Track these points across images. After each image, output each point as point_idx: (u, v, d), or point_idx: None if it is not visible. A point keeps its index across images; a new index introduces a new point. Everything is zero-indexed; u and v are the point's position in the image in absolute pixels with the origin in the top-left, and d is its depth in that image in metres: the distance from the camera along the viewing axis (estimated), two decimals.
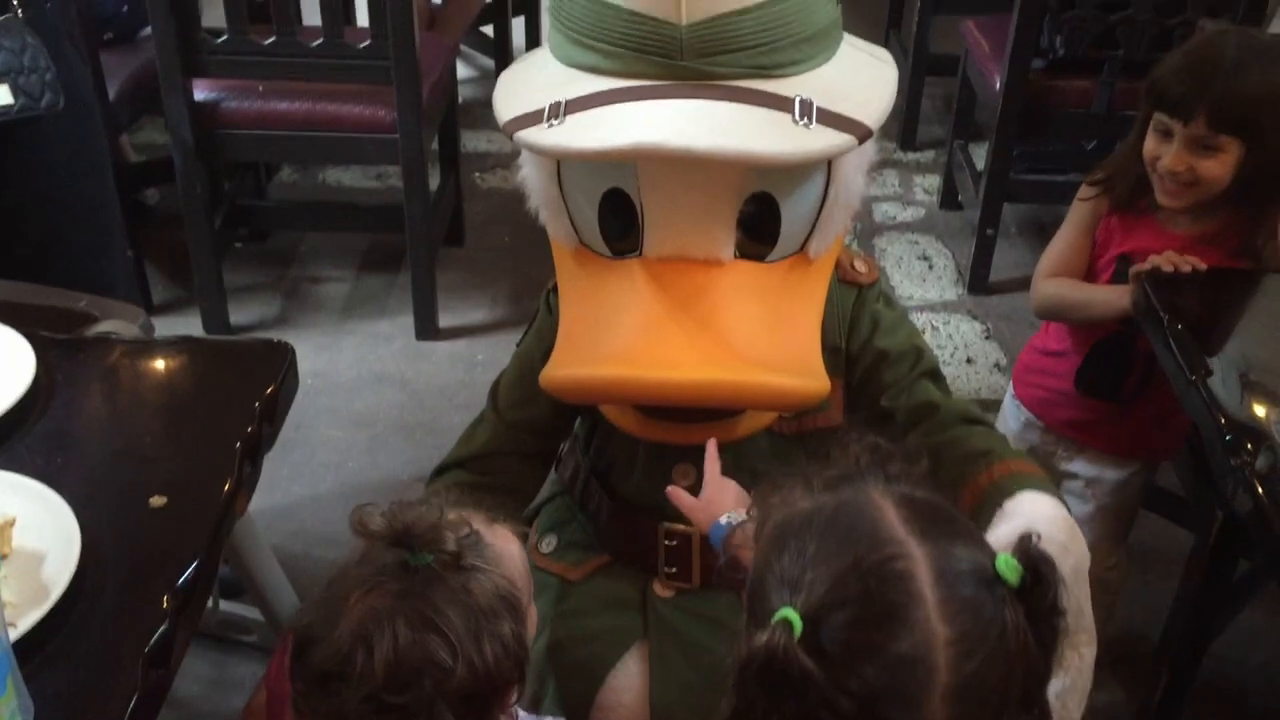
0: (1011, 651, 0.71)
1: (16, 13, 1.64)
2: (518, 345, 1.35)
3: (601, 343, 1.13)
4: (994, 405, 2.34)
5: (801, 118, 1.07)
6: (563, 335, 1.18)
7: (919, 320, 2.61)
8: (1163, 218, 1.52)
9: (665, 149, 1.04)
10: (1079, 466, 1.66)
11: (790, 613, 0.71)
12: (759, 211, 1.15)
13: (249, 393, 1.24)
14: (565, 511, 1.36)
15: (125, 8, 2.47)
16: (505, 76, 1.22)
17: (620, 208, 1.16)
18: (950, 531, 0.75)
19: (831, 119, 1.08)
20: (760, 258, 1.17)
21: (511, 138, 1.12)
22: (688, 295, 1.13)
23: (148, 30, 2.30)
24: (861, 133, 1.10)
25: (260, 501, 1.63)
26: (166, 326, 2.50)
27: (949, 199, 2.99)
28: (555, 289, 1.26)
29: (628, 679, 1.22)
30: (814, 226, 1.19)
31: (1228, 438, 1.21)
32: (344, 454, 2.21)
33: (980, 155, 2.78)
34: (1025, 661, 0.71)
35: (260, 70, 2.29)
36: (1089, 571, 1.64)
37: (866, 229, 2.92)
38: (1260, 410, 1.29)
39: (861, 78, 1.16)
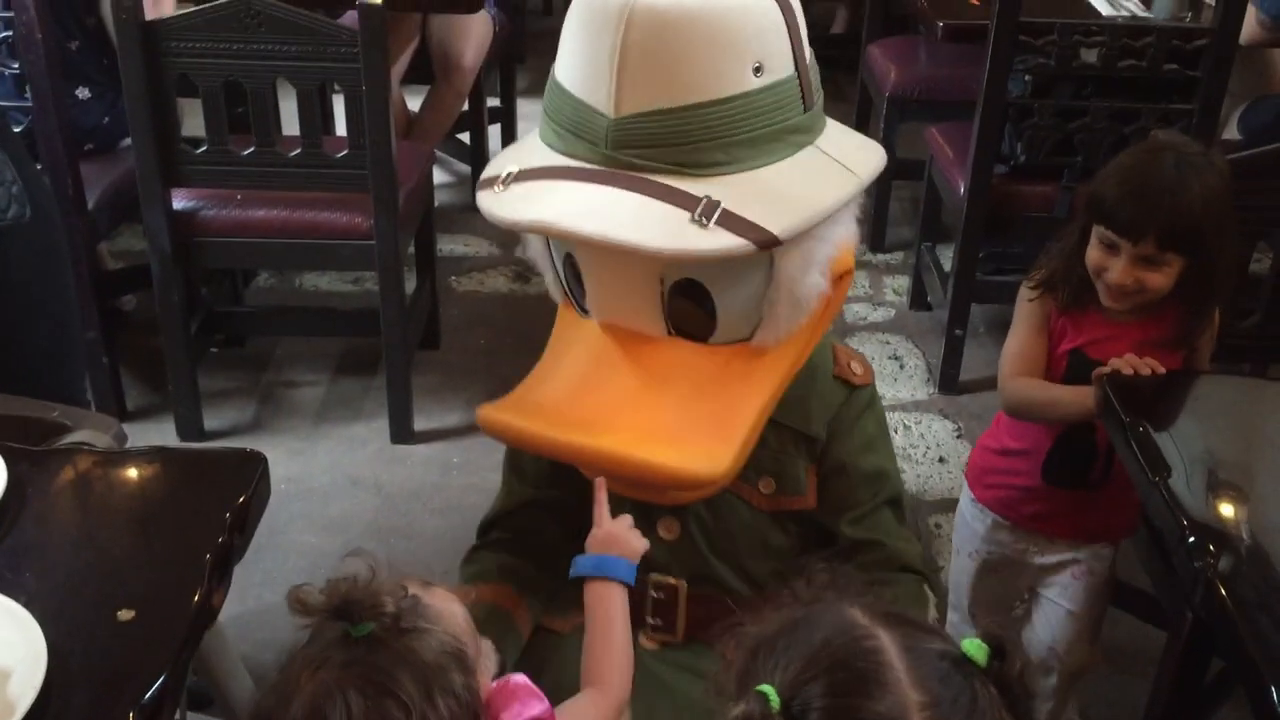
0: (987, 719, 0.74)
1: None
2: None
3: (539, 396, 1.22)
4: None
5: (701, 217, 1.10)
6: (524, 381, 1.26)
7: (891, 419, 2.63)
8: (1111, 313, 1.57)
9: (555, 229, 1.14)
10: (1053, 558, 1.68)
11: (768, 688, 0.74)
12: (695, 295, 1.19)
13: (220, 503, 1.24)
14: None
15: (106, 119, 2.51)
16: (511, 147, 1.31)
17: (578, 271, 1.24)
18: (914, 626, 0.80)
19: (732, 221, 1.10)
20: (702, 339, 1.22)
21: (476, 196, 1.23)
22: (624, 364, 1.20)
23: (128, 141, 2.34)
24: (760, 238, 1.10)
25: (232, 609, 1.62)
26: (141, 432, 2.50)
27: (918, 299, 3.04)
28: None
29: None
30: (762, 319, 1.21)
31: (1190, 539, 1.22)
32: (317, 560, 2.20)
33: (948, 257, 2.83)
34: None
35: (239, 179, 2.33)
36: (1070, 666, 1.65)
37: (838, 329, 2.96)
38: (1223, 511, 1.31)
39: (801, 184, 1.17)
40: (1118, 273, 1.50)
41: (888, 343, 2.93)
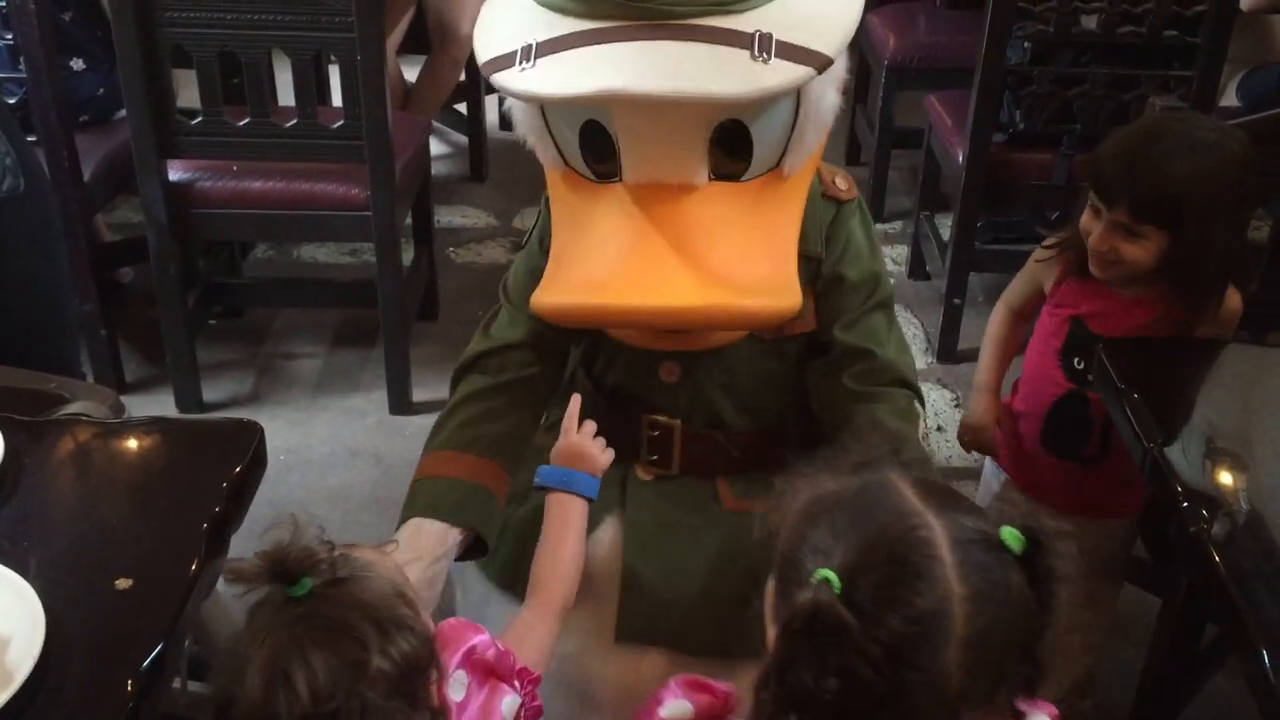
0: (1015, 609, 0.81)
1: None
2: (523, 244, 1.43)
3: (585, 270, 1.19)
4: (965, 473, 2.37)
5: (760, 53, 1.10)
6: (553, 260, 1.23)
7: None
8: (1113, 286, 1.56)
9: (626, 94, 1.09)
10: (1064, 527, 1.67)
11: (829, 573, 0.80)
12: (731, 135, 1.19)
13: (217, 473, 1.25)
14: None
15: (101, 90, 2.50)
16: (484, 15, 1.26)
17: (599, 136, 1.21)
18: (959, 507, 0.86)
19: (789, 51, 1.11)
20: (736, 177, 1.22)
21: (487, 77, 1.18)
22: (666, 220, 1.18)
23: (123, 112, 2.33)
24: (820, 63, 1.12)
25: None
26: (139, 404, 2.51)
27: (917, 269, 3.03)
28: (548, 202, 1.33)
29: (602, 544, 1.30)
30: (787, 145, 1.23)
31: (1185, 506, 1.22)
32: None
33: (946, 226, 2.82)
34: (1026, 619, 0.82)
35: (234, 150, 2.32)
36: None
37: None
38: (1218, 478, 1.32)
39: (821, 5, 1.18)
40: (1095, 237, 1.49)
41: None
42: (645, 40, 1.11)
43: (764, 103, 1.17)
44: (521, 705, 1.03)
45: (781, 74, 1.11)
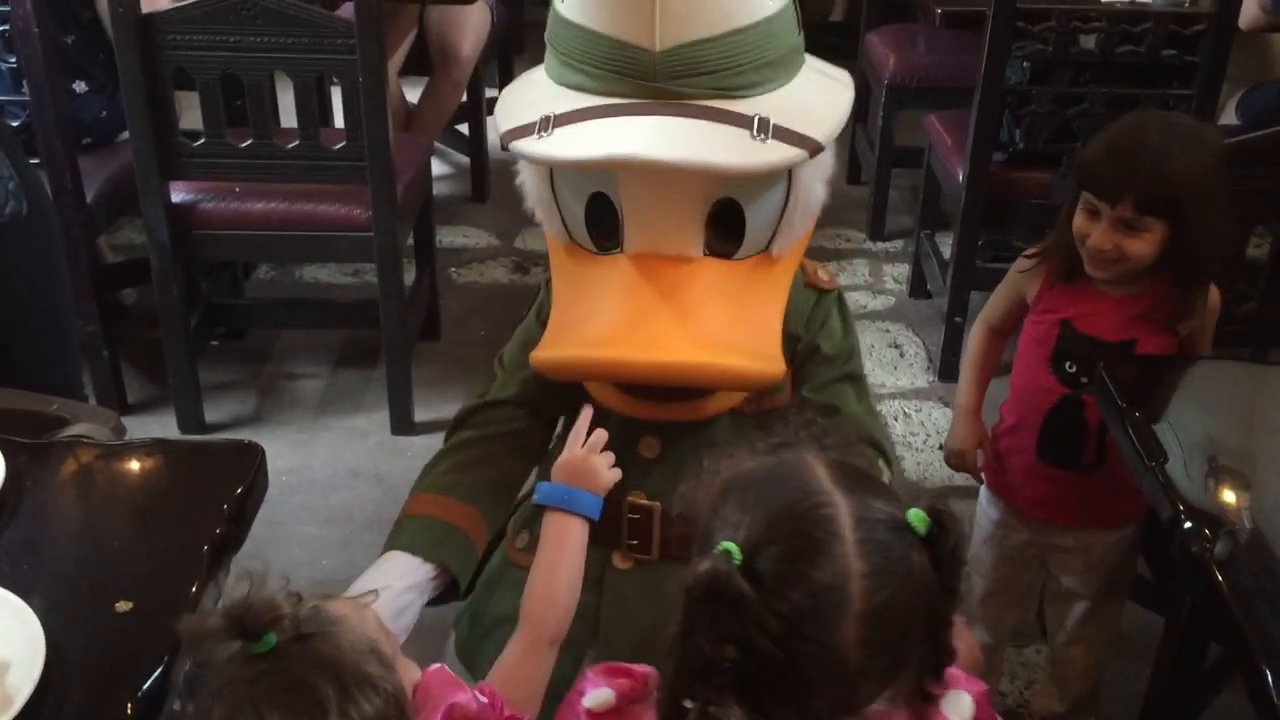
0: (916, 588, 0.84)
1: None
2: (522, 319, 1.48)
3: (589, 328, 1.26)
4: (969, 491, 2.35)
5: (759, 134, 1.20)
6: (554, 321, 1.31)
7: (891, 407, 2.64)
8: (1100, 285, 1.57)
9: (638, 160, 1.18)
10: (1068, 542, 1.68)
11: (731, 545, 0.83)
12: (726, 214, 1.28)
13: (218, 494, 1.25)
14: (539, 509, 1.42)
15: (104, 113, 2.51)
16: (506, 93, 1.35)
17: (604, 209, 1.29)
18: (869, 489, 0.88)
19: (786, 135, 1.21)
20: (728, 255, 1.30)
21: (506, 147, 1.27)
22: (665, 288, 1.26)
23: (126, 134, 2.34)
24: (812, 147, 1.23)
25: None
26: (142, 425, 2.51)
27: (918, 287, 3.03)
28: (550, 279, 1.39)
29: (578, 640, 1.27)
30: (777, 229, 1.31)
31: (1187, 525, 1.22)
32: (319, 551, 2.20)
33: (947, 244, 2.83)
34: (928, 598, 0.85)
35: (237, 172, 2.33)
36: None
37: None
38: (1220, 496, 1.31)
39: (817, 98, 1.29)
40: (1097, 237, 1.50)
41: (887, 331, 2.93)
42: (656, 116, 1.20)
43: (759, 182, 1.26)
44: None
45: (778, 153, 1.20)
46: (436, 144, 3.39)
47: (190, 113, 2.35)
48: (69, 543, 1.22)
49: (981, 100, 2.40)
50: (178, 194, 2.35)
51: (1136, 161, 1.47)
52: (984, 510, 1.75)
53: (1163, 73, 2.37)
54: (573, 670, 1.26)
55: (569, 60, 1.25)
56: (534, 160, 1.26)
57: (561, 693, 1.06)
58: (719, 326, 1.25)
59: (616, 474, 1.23)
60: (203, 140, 2.27)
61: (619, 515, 1.33)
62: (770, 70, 1.25)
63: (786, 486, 0.87)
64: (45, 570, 1.16)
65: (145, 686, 1.02)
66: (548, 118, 1.23)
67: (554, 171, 1.31)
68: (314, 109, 2.29)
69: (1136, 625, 1.95)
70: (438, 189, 3.14)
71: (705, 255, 1.29)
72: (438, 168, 3.40)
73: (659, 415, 1.35)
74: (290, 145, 2.28)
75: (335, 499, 2.35)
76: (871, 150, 3.27)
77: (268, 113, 2.30)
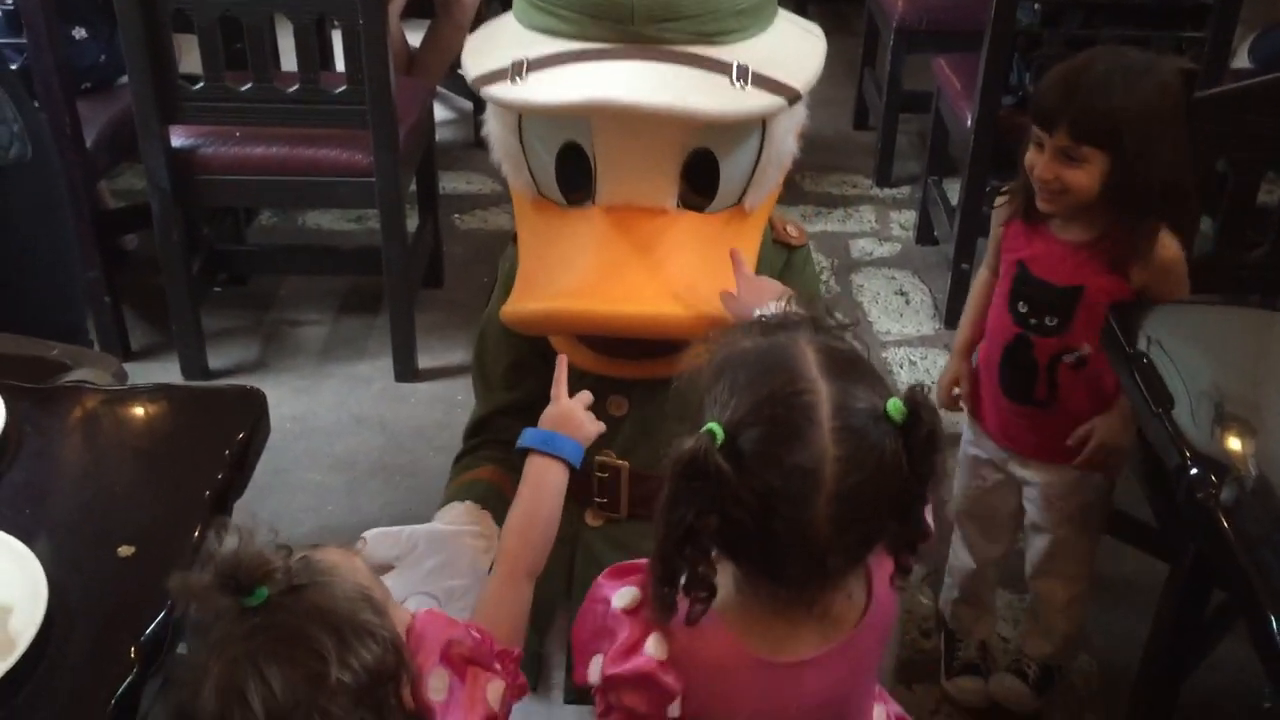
0: (888, 472, 0.89)
1: None
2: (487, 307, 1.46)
3: (561, 280, 1.25)
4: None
5: (738, 80, 1.20)
6: (522, 275, 1.30)
7: (897, 354, 2.63)
8: (1055, 226, 1.57)
9: (617, 104, 1.16)
10: (1029, 474, 1.69)
11: (715, 425, 0.88)
12: (700, 166, 1.28)
13: (220, 440, 1.24)
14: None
15: (103, 57, 2.48)
16: (474, 37, 1.33)
17: (576, 160, 1.28)
18: (856, 376, 0.92)
19: (765, 82, 1.21)
20: (700, 208, 1.30)
21: (478, 91, 1.25)
22: (638, 240, 1.26)
23: (125, 79, 2.31)
24: (791, 94, 1.23)
25: None
26: (144, 371, 2.51)
27: (925, 234, 3.01)
28: (514, 240, 1.38)
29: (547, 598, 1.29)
30: (750, 181, 1.30)
31: (1193, 471, 1.21)
32: (323, 498, 2.21)
33: (954, 191, 2.80)
34: (899, 481, 0.90)
35: (237, 116, 2.30)
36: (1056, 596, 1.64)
37: (843, 264, 2.94)
38: (1227, 443, 1.31)
39: (793, 48, 1.29)
40: (1040, 166, 1.50)
41: (893, 278, 2.91)
42: (634, 60, 1.19)
43: (735, 132, 1.26)
44: (506, 687, 1.00)
45: (758, 100, 1.21)
46: (439, 88, 3.35)
47: (189, 56, 2.32)
48: (71, 488, 1.22)
49: (991, 43, 2.37)
50: (178, 138, 2.33)
51: (1074, 90, 1.47)
52: (964, 431, 1.78)
53: (1175, 15, 2.33)
54: (547, 627, 1.28)
55: (541, 3, 1.23)
56: (507, 106, 1.24)
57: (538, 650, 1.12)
58: (693, 280, 1.24)
59: (600, 427, 1.22)
60: (202, 84, 2.25)
61: (589, 474, 1.33)
62: (747, 18, 1.24)
63: (774, 371, 0.91)
64: (47, 515, 1.16)
65: (148, 630, 1.02)
66: (520, 63, 1.21)
67: (523, 121, 1.28)
68: (314, 52, 2.26)
69: (1139, 572, 1.96)
70: (440, 134, 3.12)
71: (679, 208, 1.28)
72: (440, 113, 3.37)
73: (630, 373, 1.34)
74: (290, 89, 2.26)
75: (339, 445, 2.35)
76: (879, 95, 3.23)
77: (267, 55, 2.27)
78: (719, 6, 1.21)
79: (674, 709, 0.97)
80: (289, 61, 2.33)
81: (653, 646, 0.96)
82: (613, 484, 1.35)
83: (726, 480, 0.87)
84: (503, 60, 1.22)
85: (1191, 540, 1.41)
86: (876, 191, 3.26)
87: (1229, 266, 1.76)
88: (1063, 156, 1.48)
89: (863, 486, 0.88)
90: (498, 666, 1.00)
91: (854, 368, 0.93)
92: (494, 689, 0.99)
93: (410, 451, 2.34)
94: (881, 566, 0.99)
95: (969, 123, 2.50)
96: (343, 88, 2.25)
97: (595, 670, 0.99)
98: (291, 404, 2.44)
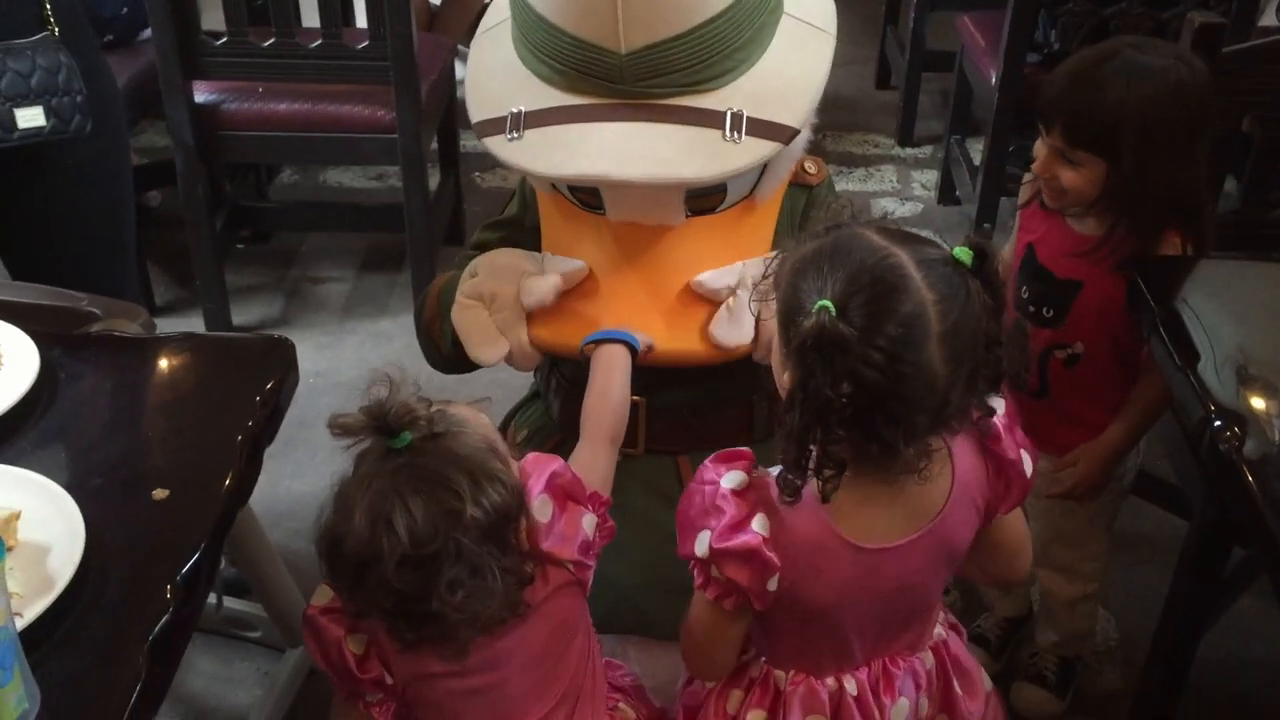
0: (975, 307, 0.99)
1: (54, 31, 1.64)
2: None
3: (575, 305, 1.28)
4: None
5: (731, 133, 1.18)
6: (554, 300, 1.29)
7: None
8: (1070, 216, 1.52)
9: (609, 180, 1.18)
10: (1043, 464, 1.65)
11: (825, 301, 0.96)
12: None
13: (250, 387, 1.26)
14: (540, 416, 1.48)
15: (125, 10, 2.48)
16: (473, 66, 1.31)
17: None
18: (917, 240, 1.02)
19: (760, 128, 1.19)
20: (711, 210, 1.29)
21: (478, 138, 1.25)
22: (644, 259, 1.27)
23: (147, 33, 2.32)
24: (787, 135, 1.20)
25: (263, 500, 1.65)
26: (169, 328, 2.50)
27: (947, 194, 3.00)
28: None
29: None
30: (759, 180, 1.29)
31: (1216, 424, 1.22)
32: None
33: (977, 150, 2.79)
34: (985, 315, 1.00)
35: (260, 72, 2.31)
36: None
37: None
38: (1251, 398, 1.31)
39: (796, 64, 1.24)
40: (1038, 162, 1.47)
41: None
42: (625, 122, 1.18)
43: None
44: (598, 524, 1.10)
45: (750, 153, 1.19)
46: (459, 46, 3.34)
47: (212, 12, 2.32)
48: (104, 433, 1.24)
49: (1017, 0, 2.35)
50: (201, 94, 2.34)
51: (1068, 90, 1.42)
52: None
53: None
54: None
55: (536, 52, 1.21)
56: (508, 167, 1.23)
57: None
58: (698, 301, 1.26)
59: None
60: (225, 39, 2.25)
61: None
62: (742, 52, 1.20)
63: (852, 250, 0.99)
64: (82, 459, 1.18)
65: (184, 570, 1.04)
66: (517, 115, 1.21)
67: None
68: (337, 7, 2.26)
69: (1158, 530, 1.97)
70: (460, 92, 3.11)
71: (688, 218, 1.27)
72: (460, 70, 3.36)
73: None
74: (313, 44, 2.26)
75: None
76: (902, 53, 3.21)
77: (290, 11, 2.26)
78: (712, 53, 1.17)
79: (773, 584, 1.05)
80: (311, 17, 2.32)
81: (759, 524, 1.04)
82: (631, 420, 1.34)
83: (852, 345, 0.94)
84: (500, 108, 1.22)
85: (1213, 495, 1.42)
86: (898, 151, 3.25)
87: (1254, 224, 1.74)
88: (1059, 156, 1.44)
89: (962, 321, 0.98)
90: (589, 506, 1.10)
91: (912, 235, 1.03)
92: (588, 520, 1.09)
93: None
94: (963, 464, 1.08)
95: (993, 81, 2.48)
96: (365, 44, 2.25)
97: (703, 544, 1.05)
98: (315, 359, 2.45)
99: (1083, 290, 1.50)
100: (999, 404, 1.09)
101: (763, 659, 1.16)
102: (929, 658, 1.19)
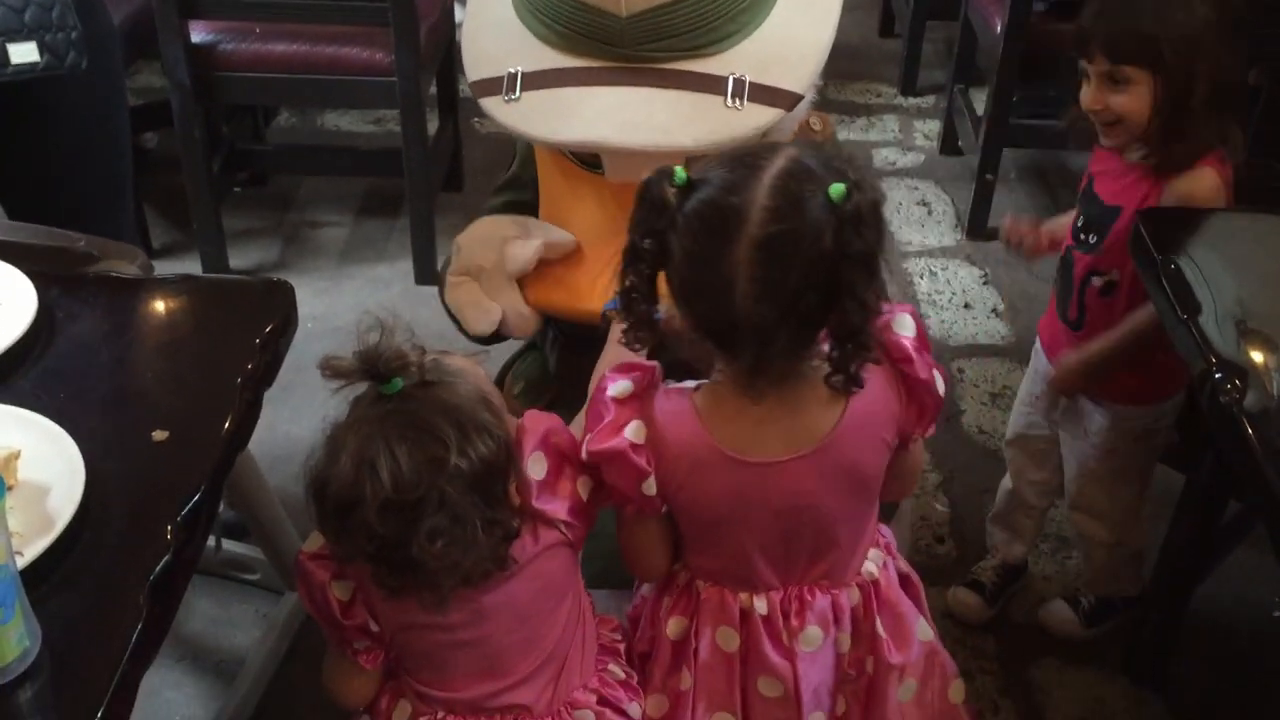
0: (809, 238, 0.95)
1: None
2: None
3: (572, 276, 1.28)
4: (992, 350, 2.36)
5: (733, 100, 1.16)
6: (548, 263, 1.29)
7: (917, 265, 2.62)
8: (1125, 151, 1.53)
9: (609, 146, 1.17)
10: (1089, 409, 1.65)
11: (680, 169, 0.98)
12: None
13: (249, 329, 1.25)
14: (538, 368, 1.48)
15: None
16: (469, 23, 1.28)
17: None
18: (827, 165, 0.98)
19: (762, 93, 1.17)
20: None
21: (475, 97, 1.23)
22: None
23: None
24: (790, 101, 1.18)
25: (261, 445, 1.64)
26: (166, 270, 2.49)
27: (949, 144, 2.98)
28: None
29: None
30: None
31: (1217, 376, 1.21)
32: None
33: (981, 100, 2.77)
34: (820, 253, 0.95)
35: (257, 11, 2.28)
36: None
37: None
38: (1252, 351, 1.30)
39: (800, 27, 1.21)
40: (1087, 97, 1.47)
41: (916, 188, 2.88)
42: (626, 86, 1.16)
43: None
44: (593, 488, 1.10)
45: (753, 119, 1.17)
46: None
47: None
48: (103, 374, 1.23)
49: None
50: (197, 34, 2.31)
51: (1106, 11, 1.44)
52: (1035, 358, 1.74)
53: None
54: None
55: (536, 13, 1.19)
56: (505, 129, 1.21)
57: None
58: None
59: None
60: None
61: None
62: (746, 14, 1.18)
63: (756, 147, 1.00)
64: (81, 400, 1.17)
65: (184, 512, 1.04)
66: (514, 76, 1.18)
67: None
68: None
69: (1156, 482, 1.97)
70: (459, 36, 3.08)
71: None
72: (459, 13, 3.32)
73: None
74: None
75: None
76: (906, 1, 3.18)
77: None
78: (712, 17, 1.16)
79: (649, 487, 1.07)
80: None
81: (632, 431, 1.06)
82: None
83: (667, 206, 0.98)
84: (497, 67, 1.20)
85: (1213, 447, 1.42)
86: (901, 100, 3.22)
87: (1260, 177, 1.74)
88: (1108, 82, 1.45)
89: (783, 241, 0.95)
90: (585, 471, 1.09)
91: (833, 162, 0.99)
92: (584, 483, 1.09)
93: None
94: (867, 394, 1.06)
95: (998, 29, 2.46)
96: None
97: (585, 448, 1.08)
98: (312, 304, 2.44)
99: (1120, 214, 1.51)
100: (908, 326, 1.08)
101: (689, 571, 1.19)
102: (855, 593, 1.18)
